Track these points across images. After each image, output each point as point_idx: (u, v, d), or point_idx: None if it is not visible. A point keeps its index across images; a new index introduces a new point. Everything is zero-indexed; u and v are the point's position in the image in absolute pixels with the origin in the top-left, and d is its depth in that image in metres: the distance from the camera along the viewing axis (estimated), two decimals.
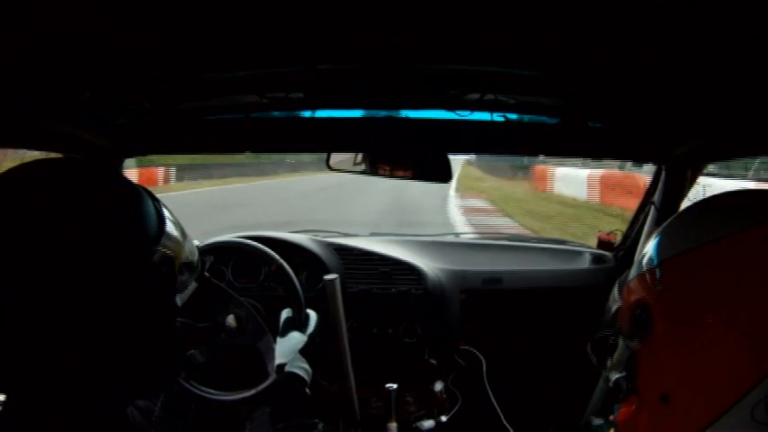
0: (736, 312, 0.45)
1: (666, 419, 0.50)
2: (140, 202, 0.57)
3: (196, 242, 0.65)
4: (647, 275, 0.52)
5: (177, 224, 0.62)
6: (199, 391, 1.37)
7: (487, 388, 1.56)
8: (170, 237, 0.59)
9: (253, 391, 1.36)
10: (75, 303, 0.51)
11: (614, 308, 0.60)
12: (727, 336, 0.45)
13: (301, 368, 1.09)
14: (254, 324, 1.38)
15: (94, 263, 0.51)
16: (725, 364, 0.46)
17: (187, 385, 1.35)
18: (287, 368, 1.08)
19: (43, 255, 0.50)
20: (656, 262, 0.52)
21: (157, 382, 0.63)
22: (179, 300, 0.62)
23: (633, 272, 0.55)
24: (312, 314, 1.24)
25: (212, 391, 1.39)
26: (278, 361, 1.10)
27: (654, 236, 0.55)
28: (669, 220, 0.55)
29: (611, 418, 0.65)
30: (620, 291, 0.58)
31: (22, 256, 0.50)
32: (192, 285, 0.65)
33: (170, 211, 0.61)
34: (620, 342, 0.56)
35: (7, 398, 0.55)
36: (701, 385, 0.47)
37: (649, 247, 0.54)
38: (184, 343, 0.65)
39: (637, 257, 0.56)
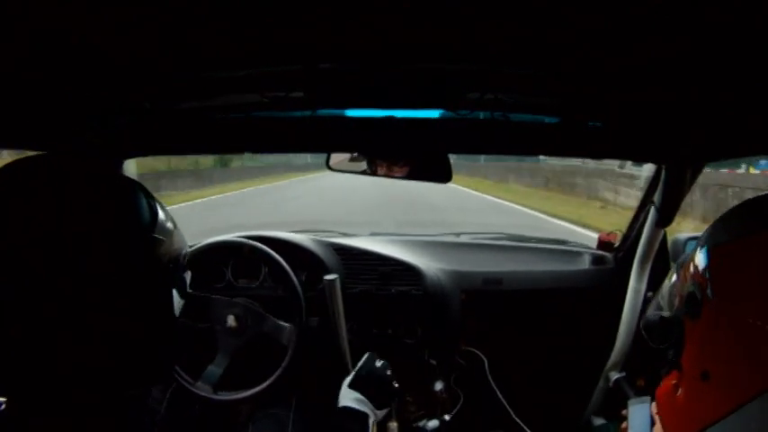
0: None
1: (704, 395, 0.52)
2: (134, 196, 0.58)
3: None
4: (701, 257, 0.55)
5: (169, 217, 0.62)
6: (201, 392, 1.38)
7: (492, 385, 1.56)
8: (163, 228, 0.59)
9: (254, 391, 1.37)
10: (71, 298, 0.51)
11: (670, 286, 0.62)
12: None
13: (354, 400, 1.08)
14: (254, 315, 1.41)
15: (90, 256, 0.52)
16: (765, 348, 0.47)
17: (194, 389, 1.37)
18: (339, 404, 1.09)
19: (40, 250, 0.50)
20: (710, 245, 0.54)
21: (154, 372, 0.63)
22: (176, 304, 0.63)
23: (690, 253, 0.58)
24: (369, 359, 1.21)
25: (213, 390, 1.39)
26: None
27: (718, 221, 0.58)
28: (730, 209, 0.58)
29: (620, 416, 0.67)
30: (677, 271, 0.60)
31: (20, 253, 0.50)
32: (179, 302, 0.65)
33: (162, 205, 0.62)
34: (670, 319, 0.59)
35: (8, 398, 0.55)
36: (739, 366, 0.49)
37: (707, 231, 0.57)
38: (183, 334, 0.66)
39: (701, 237, 0.58)
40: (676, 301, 0.57)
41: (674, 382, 0.57)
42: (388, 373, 1.15)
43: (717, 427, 0.50)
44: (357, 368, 1.16)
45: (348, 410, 1.07)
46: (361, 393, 1.09)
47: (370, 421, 1.07)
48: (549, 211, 10.13)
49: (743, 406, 0.48)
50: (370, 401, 1.08)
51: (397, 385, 1.15)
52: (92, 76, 0.77)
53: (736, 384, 0.49)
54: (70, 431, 0.55)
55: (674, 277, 0.61)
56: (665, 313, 0.59)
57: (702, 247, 0.55)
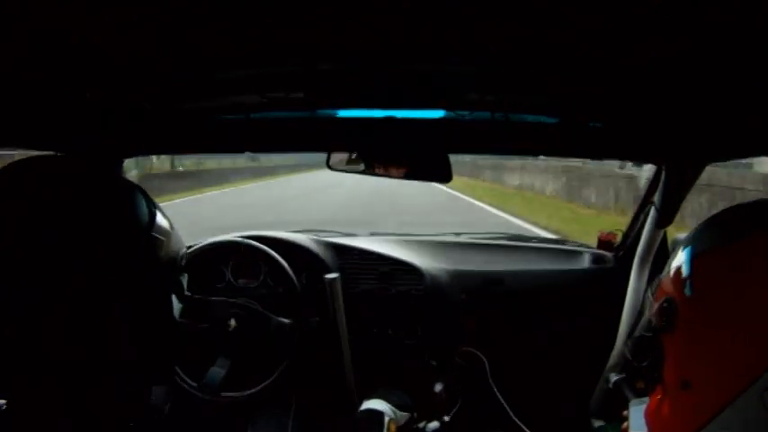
0: (755, 306, 0.48)
1: (686, 403, 0.53)
2: (132, 197, 0.58)
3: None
4: (674, 271, 0.55)
5: (167, 218, 0.62)
6: (205, 394, 1.39)
7: (492, 386, 1.56)
8: (160, 229, 0.59)
9: (257, 388, 1.37)
10: (68, 299, 0.51)
11: (647, 307, 0.62)
12: (746, 327, 0.48)
13: (374, 402, 1.17)
14: (254, 314, 1.41)
15: (87, 257, 0.52)
16: (743, 351, 0.48)
17: (197, 391, 1.37)
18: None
19: (37, 251, 0.50)
20: (683, 259, 0.55)
21: (153, 373, 0.63)
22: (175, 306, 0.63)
23: (664, 271, 0.58)
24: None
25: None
26: None
27: (686, 235, 0.58)
28: (712, 215, 0.58)
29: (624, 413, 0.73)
30: (653, 292, 0.61)
31: (16, 254, 0.50)
32: (178, 305, 0.65)
33: (159, 207, 0.62)
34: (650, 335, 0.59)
35: (8, 399, 0.55)
36: (719, 371, 0.50)
37: (687, 237, 0.57)
38: (180, 337, 0.67)
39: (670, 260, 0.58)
40: (653, 318, 0.58)
41: (659, 396, 0.57)
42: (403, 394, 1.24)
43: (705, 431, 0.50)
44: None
45: (366, 410, 1.13)
46: (382, 399, 1.17)
47: (386, 419, 1.11)
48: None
49: (726, 407, 0.48)
50: (391, 405, 1.15)
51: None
52: (92, 76, 0.77)
53: (717, 387, 0.50)
54: (70, 431, 0.55)
55: (650, 296, 0.61)
56: (645, 332, 0.60)
57: (684, 250, 0.55)
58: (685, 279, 0.53)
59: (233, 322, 1.40)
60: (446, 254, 1.73)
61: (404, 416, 1.17)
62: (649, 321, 0.59)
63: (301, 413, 1.51)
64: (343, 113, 1.06)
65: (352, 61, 0.75)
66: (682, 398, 0.53)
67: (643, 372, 0.60)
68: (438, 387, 1.53)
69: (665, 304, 0.55)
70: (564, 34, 0.59)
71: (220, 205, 11.61)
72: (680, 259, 0.55)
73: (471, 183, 17.64)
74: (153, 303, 0.59)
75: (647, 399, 0.96)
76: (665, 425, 0.56)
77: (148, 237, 0.57)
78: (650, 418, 0.60)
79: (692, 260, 0.54)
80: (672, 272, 0.56)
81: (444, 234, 1.98)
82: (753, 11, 0.48)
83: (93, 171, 0.58)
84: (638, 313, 1.46)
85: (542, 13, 0.53)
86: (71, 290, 0.51)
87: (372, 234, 1.90)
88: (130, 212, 0.57)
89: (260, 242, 1.47)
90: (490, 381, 1.57)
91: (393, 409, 1.14)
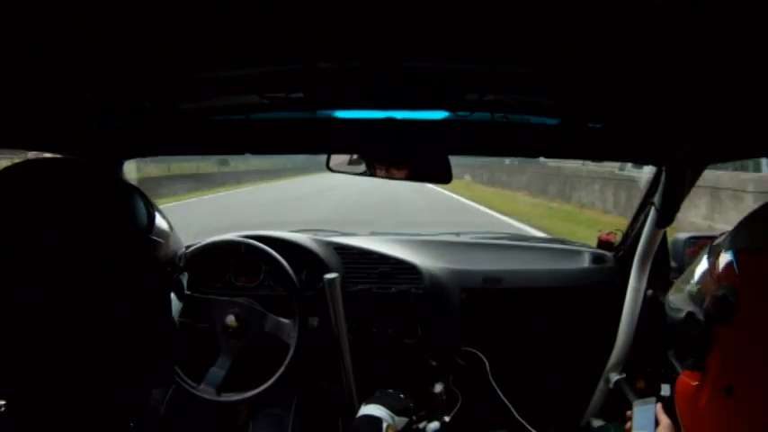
0: None
1: (729, 413, 0.50)
2: (131, 198, 0.58)
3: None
4: (740, 259, 0.51)
5: (165, 219, 0.62)
6: (205, 395, 1.38)
7: (494, 385, 1.56)
8: (159, 231, 0.59)
9: (257, 390, 1.37)
10: (68, 300, 0.51)
11: (700, 275, 0.57)
12: None
13: (372, 408, 1.14)
14: (254, 314, 1.41)
15: (87, 258, 0.52)
16: None
17: (197, 393, 1.37)
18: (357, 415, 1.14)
19: (36, 252, 0.50)
20: (745, 248, 0.51)
21: (152, 374, 0.63)
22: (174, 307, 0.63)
23: (726, 245, 0.53)
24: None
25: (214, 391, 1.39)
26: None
27: (751, 219, 0.53)
28: (760, 208, 0.53)
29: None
30: (708, 257, 0.56)
31: (16, 255, 0.50)
32: (178, 304, 0.65)
33: (158, 208, 0.62)
34: (699, 315, 0.55)
35: (6, 401, 0.55)
36: (762, 386, 0.47)
37: (737, 231, 0.53)
38: (180, 337, 0.66)
39: (732, 232, 0.53)
40: (707, 300, 0.54)
41: (695, 383, 0.55)
42: (402, 396, 1.21)
43: None
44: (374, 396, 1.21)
45: (363, 417, 1.11)
46: (380, 404, 1.14)
47: (384, 425, 1.09)
48: None
49: None
50: (389, 410, 1.13)
51: (411, 405, 1.20)
52: (92, 76, 0.77)
53: (760, 406, 0.47)
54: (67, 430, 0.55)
55: (705, 264, 0.57)
56: (696, 311, 0.56)
57: (732, 249, 0.52)
58: (740, 274, 0.50)
59: (233, 322, 1.40)
60: (446, 253, 1.73)
61: (402, 420, 1.16)
62: (703, 300, 0.55)
63: (301, 414, 1.51)
64: (343, 114, 1.06)
65: (352, 61, 0.75)
66: (723, 402, 0.51)
67: (689, 349, 0.55)
68: (438, 387, 1.53)
69: (723, 293, 0.51)
70: (564, 34, 0.59)
71: None
72: (732, 252, 0.52)
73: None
74: (152, 304, 0.59)
75: (651, 399, 0.95)
76: (701, 420, 0.54)
77: (147, 238, 0.57)
78: (681, 398, 0.57)
79: (747, 256, 0.50)
80: (726, 261, 0.52)
81: (444, 234, 1.98)
82: (753, 11, 0.48)
83: (92, 172, 0.58)
84: (647, 298, 1.44)
85: (542, 13, 0.53)
86: (71, 290, 0.51)
87: (372, 233, 1.90)
88: (129, 214, 0.57)
89: (260, 242, 1.47)
90: (491, 380, 1.57)
91: (391, 414, 1.13)
